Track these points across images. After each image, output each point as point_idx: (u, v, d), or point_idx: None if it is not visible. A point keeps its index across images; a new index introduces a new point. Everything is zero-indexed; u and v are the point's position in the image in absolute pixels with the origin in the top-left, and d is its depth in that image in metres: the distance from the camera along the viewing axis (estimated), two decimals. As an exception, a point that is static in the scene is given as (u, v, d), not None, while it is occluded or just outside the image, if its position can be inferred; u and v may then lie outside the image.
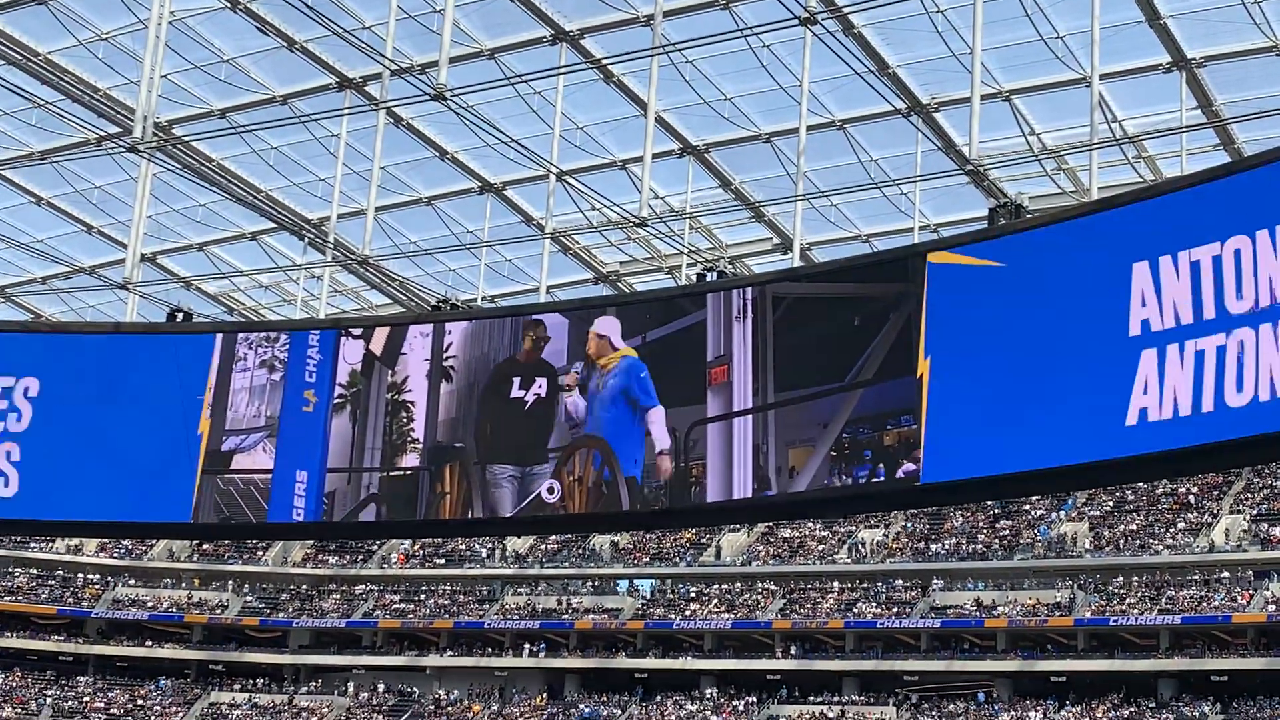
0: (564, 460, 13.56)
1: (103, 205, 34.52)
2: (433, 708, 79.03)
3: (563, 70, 27.15)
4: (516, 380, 14.43)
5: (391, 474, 14.22)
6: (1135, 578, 69.52)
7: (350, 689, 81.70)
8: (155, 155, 28.27)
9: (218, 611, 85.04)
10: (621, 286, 34.85)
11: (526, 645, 79.54)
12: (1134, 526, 72.00)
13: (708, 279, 17.91)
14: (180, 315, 20.79)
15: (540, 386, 14.32)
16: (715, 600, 77.63)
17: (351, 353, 14.07)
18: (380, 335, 14.26)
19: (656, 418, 14.03)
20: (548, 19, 26.88)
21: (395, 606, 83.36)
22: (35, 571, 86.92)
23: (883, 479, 14.80)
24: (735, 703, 74.10)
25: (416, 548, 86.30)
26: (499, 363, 14.46)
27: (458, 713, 78.08)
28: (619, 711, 75.27)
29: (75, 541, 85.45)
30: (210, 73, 29.32)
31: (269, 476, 14.39)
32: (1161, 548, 69.91)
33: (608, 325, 14.01)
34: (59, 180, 33.50)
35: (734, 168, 31.36)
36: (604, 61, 27.40)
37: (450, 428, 14.22)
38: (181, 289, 36.53)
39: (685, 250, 31.28)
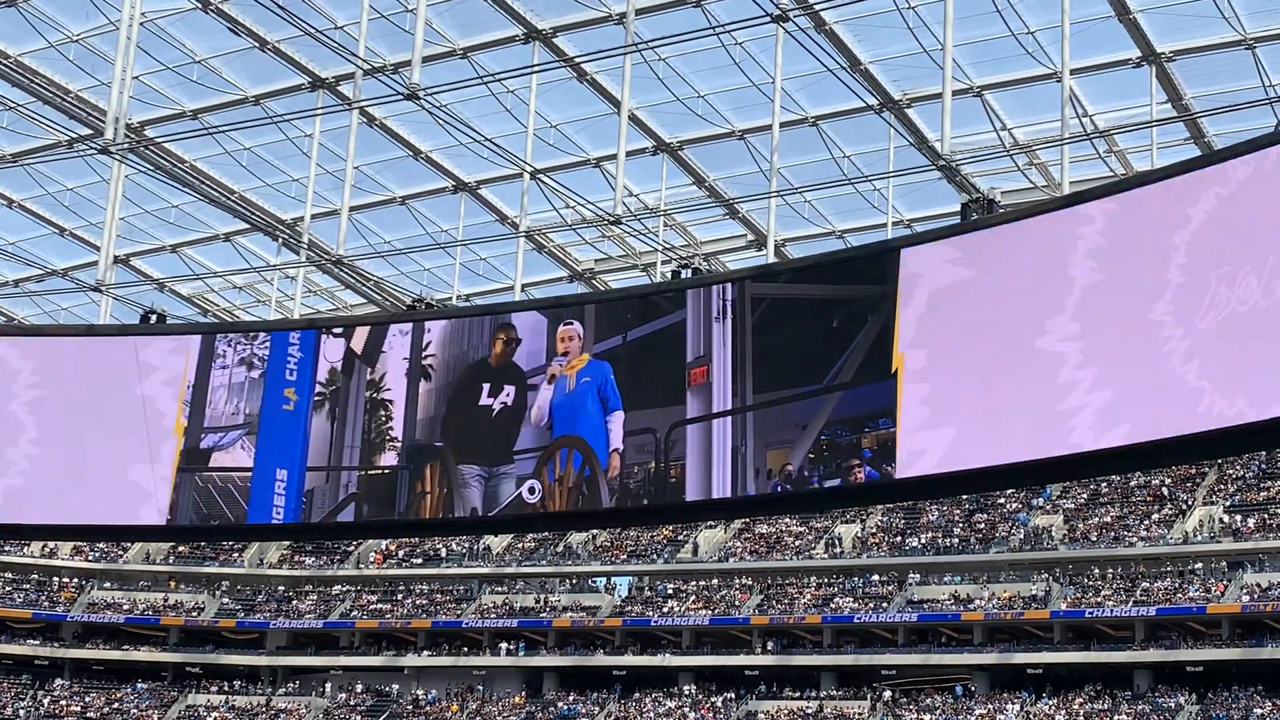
0: (544, 460, 13.59)
1: (75, 207, 34.42)
2: (411, 708, 78.94)
3: (536, 69, 27.18)
4: (486, 386, 14.44)
5: (370, 473, 14.22)
6: (1110, 570, 69.85)
7: (328, 690, 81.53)
8: (127, 157, 28.20)
9: (194, 614, 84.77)
10: (596, 284, 34.89)
11: (504, 644, 79.48)
12: (1108, 519, 72.33)
13: (683, 276, 17.95)
14: (154, 317, 20.77)
15: (508, 395, 14.33)
16: (693, 597, 77.71)
17: (332, 351, 14.07)
18: (361, 334, 14.26)
19: (617, 422, 14.07)
20: (520, 18, 26.90)
21: (373, 607, 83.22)
22: (10, 575, 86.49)
23: (860, 477, 14.88)
24: (714, 699, 74.21)
25: (394, 547, 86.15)
26: (470, 364, 14.45)
27: (436, 712, 78.01)
28: (598, 709, 75.31)
29: (50, 545, 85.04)
30: (182, 74, 29.26)
31: (248, 475, 14.37)
32: (1136, 540, 70.24)
33: (576, 327, 14.02)
34: (30, 183, 33.40)
35: (708, 165, 31.44)
36: (577, 60, 27.45)
37: (429, 427, 14.23)
38: (155, 291, 36.45)
39: (660, 248, 31.34)
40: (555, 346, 14.22)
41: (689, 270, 18.31)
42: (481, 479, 14.19)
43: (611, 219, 27.73)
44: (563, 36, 27.40)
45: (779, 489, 14.69)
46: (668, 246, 31.87)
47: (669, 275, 19.79)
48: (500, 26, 27.32)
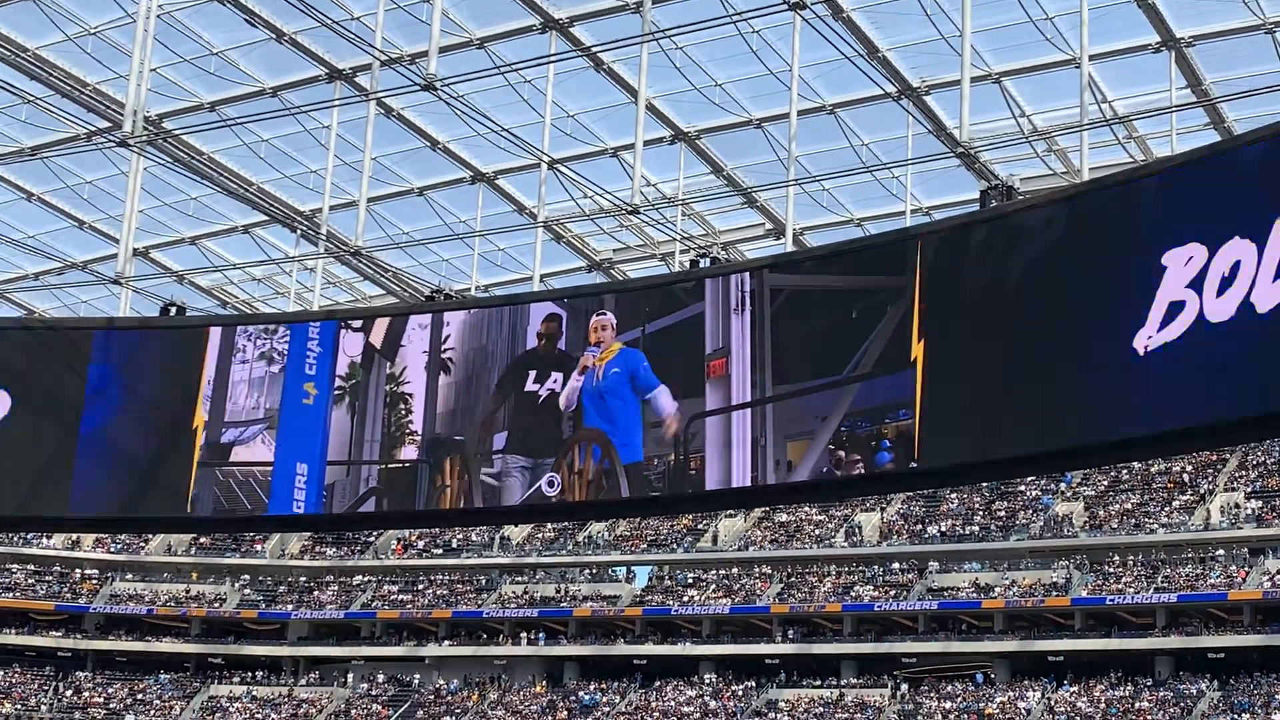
0: (564, 453, 13.58)
1: (94, 200, 34.49)
2: (432, 698, 79.12)
3: (553, 58, 27.14)
4: (533, 374, 14.43)
5: (390, 466, 14.23)
6: (1131, 557, 69.70)
7: (349, 680, 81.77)
8: (146, 149, 28.25)
9: (216, 605, 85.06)
10: (615, 274, 34.86)
11: (525, 634, 79.63)
12: (1129, 506, 72.15)
13: (701, 265, 17.92)
14: (174, 309, 20.79)
15: (555, 381, 14.29)
16: (713, 586, 77.75)
17: (351, 345, 14.08)
18: (380, 327, 14.27)
19: (662, 394, 13.97)
20: (537, 7, 26.86)
21: (394, 597, 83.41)
22: (33, 567, 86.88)
23: (879, 465, 14.86)
24: (734, 687, 74.24)
25: (414, 538, 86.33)
26: (518, 355, 14.41)
27: (458, 702, 78.18)
28: (618, 698, 75.41)
29: (73, 537, 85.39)
30: (200, 66, 29.29)
31: (269, 469, 14.39)
32: (1157, 526, 70.07)
33: (609, 317, 13.99)
34: (50, 176, 33.45)
35: (725, 154, 31.37)
36: (594, 49, 27.41)
37: (449, 420, 14.23)
38: (175, 283, 36.50)
39: (678, 237, 31.30)
40: (589, 337, 14.18)
41: (707, 259, 18.28)
42: (525, 470, 14.18)
43: (629, 208, 27.70)
44: (579, 26, 27.36)
45: (799, 479, 14.68)
46: (686, 236, 31.82)
47: (687, 264, 19.76)
48: (517, 16, 27.29)
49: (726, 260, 20.40)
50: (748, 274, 14.98)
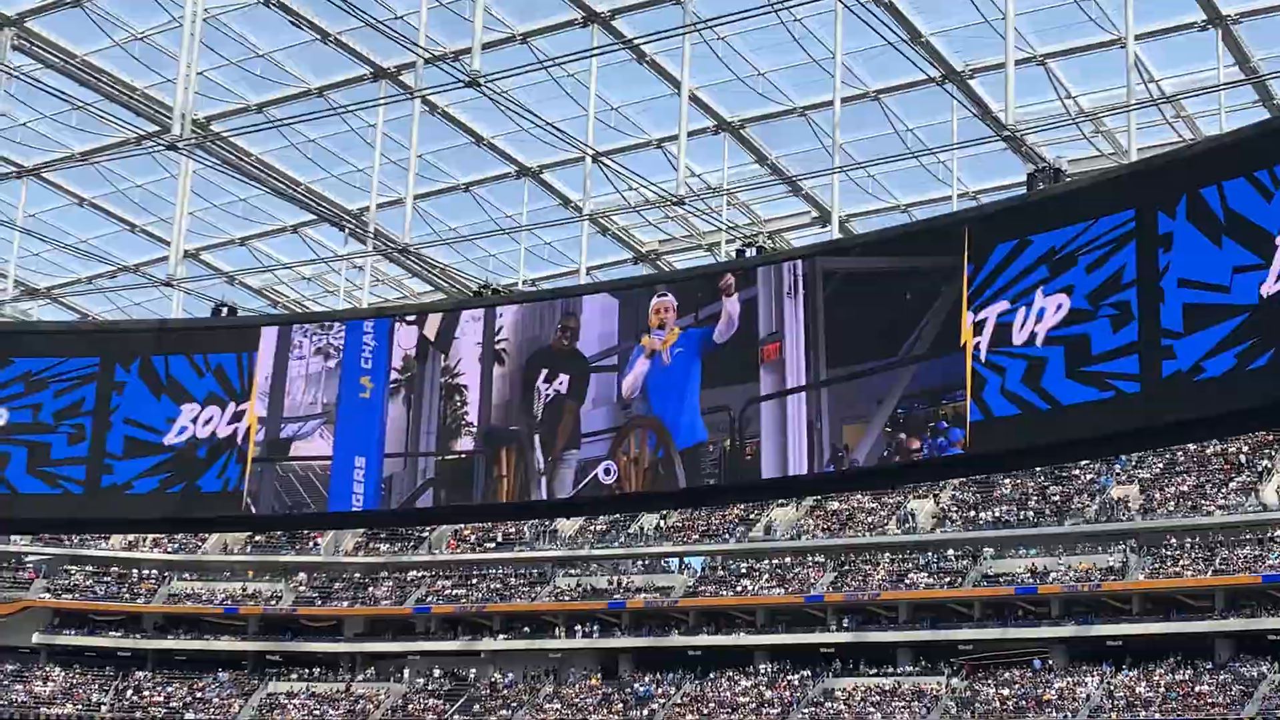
0: (619, 441, 13.63)
1: (144, 204, 34.81)
2: (488, 692, 79.47)
3: (595, 52, 27.19)
4: (544, 372, 14.49)
5: (447, 458, 14.32)
6: (1188, 539, 69.19)
7: (406, 675, 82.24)
8: (194, 152, 28.52)
9: (272, 602, 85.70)
10: (661, 265, 34.91)
11: (579, 626, 79.84)
12: (1185, 488, 71.62)
13: (747, 255, 17.93)
14: (225, 310, 20.96)
15: (562, 383, 14.34)
16: (766, 575, 77.72)
17: (406, 338, 14.18)
18: (433, 320, 14.36)
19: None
20: (578, 1, 26.92)
21: (448, 592, 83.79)
22: (91, 568, 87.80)
23: (932, 451, 14.82)
24: (789, 676, 74.21)
25: (467, 532, 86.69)
26: (534, 352, 14.48)
27: (514, 695, 78.49)
28: (674, 689, 75.50)
29: (130, 538, 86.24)
30: (246, 68, 29.50)
31: (328, 463, 14.53)
32: (1214, 508, 69.53)
33: (670, 299, 13.99)
34: (101, 181, 33.81)
35: (770, 142, 31.35)
36: (636, 41, 27.43)
37: (504, 411, 14.31)
38: (225, 284, 36.79)
39: (724, 227, 31.31)
40: (649, 321, 14.18)
41: (753, 249, 18.30)
42: (570, 464, 14.26)
43: (674, 200, 27.75)
44: (621, 18, 27.39)
45: (855, 464, 14.67)
46: (731, 225, 31.83)
47: (733, 254, 19.79)
48: (558, 11, 27.35)
49: (773, 249, 20.41)
50: (799, 260, 15.01)
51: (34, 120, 31.17)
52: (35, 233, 34.00)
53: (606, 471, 13.55)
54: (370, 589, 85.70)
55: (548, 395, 14.20)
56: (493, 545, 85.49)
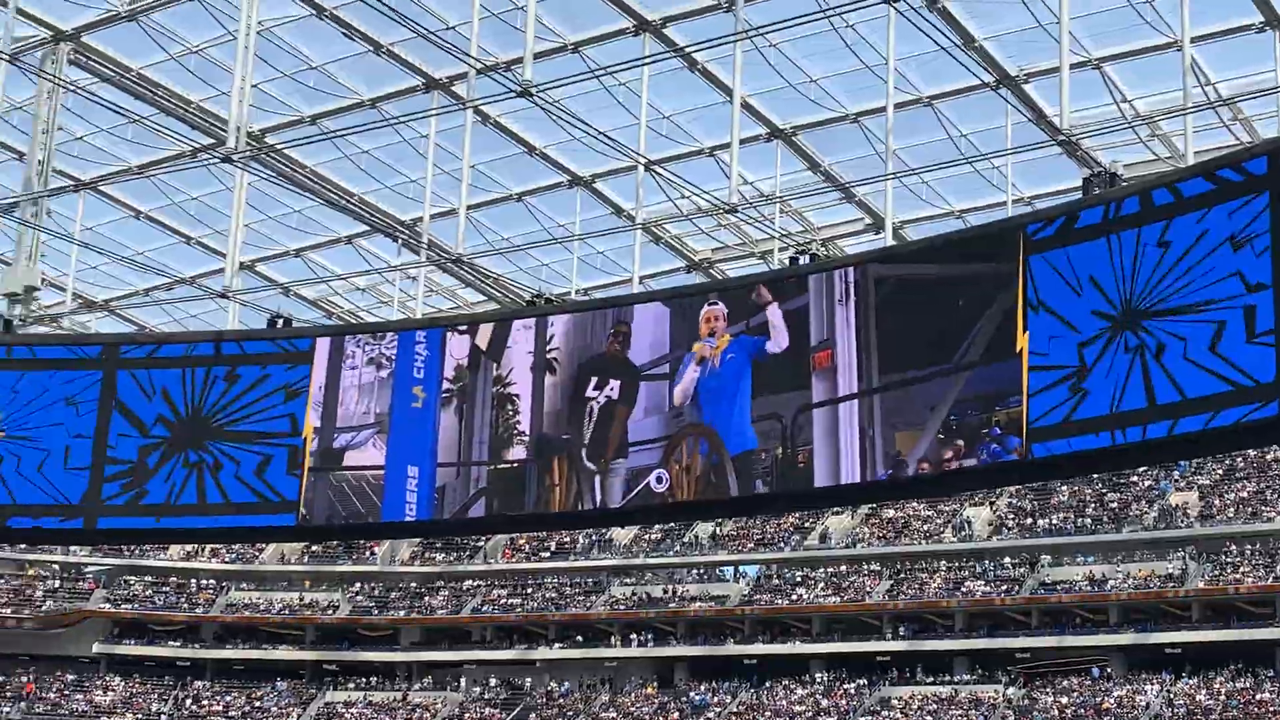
0: (671, 449, 13.60)
1: (200, 216, 35.07)
2: (544, 700, 79.57)
3: (647, 60, 27.19)
4: (595, 379, 14.48)
5: (499, 467, 14.34)
6: (1248, 545, 68.42)
7: (462, 684, 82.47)
8: (249, 164, 28.70)
9: (329, 612, 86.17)
10: (714, 274, 34.85)
11: (635, 635, 79.83)
12: (1245, 494, 70.84)
13: (801, 262, 17.86)
14: (280, 321, 21.08)
15: (613, 389, 14.31)
16: (821, 584, 77.45)
17: (458, 348, 14.22)
18: (485, 330, 14.40)
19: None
20: (630, 10, 26.92)
21: (503, 601, 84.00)
22: (150, 579, 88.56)
23: (990, 458, 14.71)
24: (846, 685, 73.90)
25: (522, 541, 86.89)
26: (586, 360, 14.49)
27: (570, 704, 78.55)
28: (729, 698, 75.34)
29: (189, 548, 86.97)
30: (299, 80, 29.68)
31: (381, 473, 14.57)
32: (1274, 514, 68.73)
33: (720, 308, 13.94)
34: (157, 193, 34.07)
35: (822, 149, 31.24)
36: (687, 49, 27.41)
37: (555, 420, 14.30)
38: (280, 295, 36.99)
39: (777, 234, 31.23)
40: (699, 329, 14.14)
41: (807, 256, 18.22)
42: (618, 473, 14.21)
43: (727, 207, 27.69)
44: (672, 27, 27.37)
45: (908, 472, 14.58)
46: (784, 233, 31.74)
47: (786, 262, 19.72)
48: (610, 20, 27.37)
49: (826, 256, 20.33)
50: (851, 267, 14.93)
51: (91, 134, 31.47)
52: (93, 246, 34.28)
53: (659, 480, 13.52)
54: (426, 598, 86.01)
55: (598, 403, 14.19)
56: (547, 554, 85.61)
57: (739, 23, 25.05)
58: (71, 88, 28.38)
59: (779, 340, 13.75)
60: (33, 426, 17.70)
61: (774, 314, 13.53)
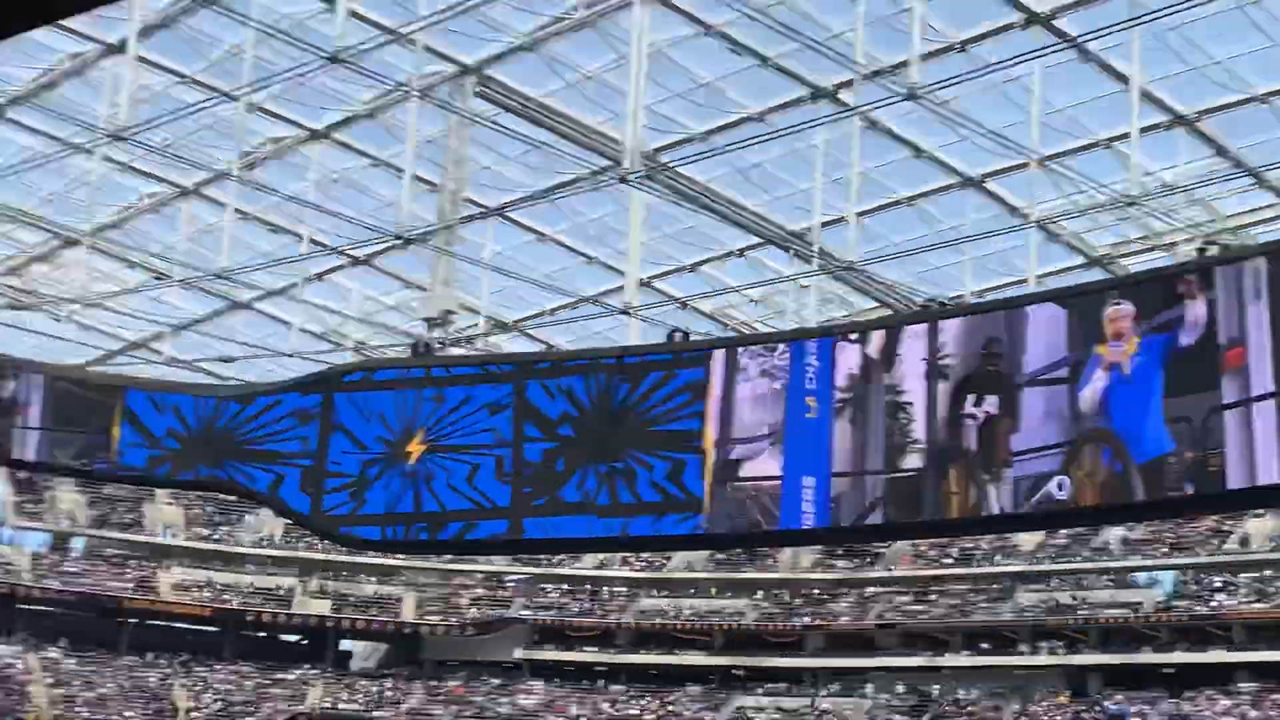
0: (1072, 457, 13.20)
1: (599, 236, 36.23)
2: (953, 708, 78.47)
3: (1038, 53, 26.55)
4: (971, 398, 14.19)
5: (894, 476, 14.25)
6: None
7: (869, 691, 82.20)
8: (644, 183, 29.50)
9: (735, 618, 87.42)
10: (1115, 269, 33.68)
11: (1044, 642, 77.79)
12: None
13: (1208, 253, 17.03)
14: (679, 335, 21.54)
15: (990, 404, 13.96)
16: (1244, 590, 73.58)
17: (849, 357, 14.20)
18: (876, 338, 14.33)
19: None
20: (1019, 3, 26.35)
21: (906, 607, 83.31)
22: (566, 586, 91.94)
23: None
24: (1275, 695, 69.92)
25: (924, 547, 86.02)
26: (972, 367, 14.22)
27: (979, 712, 77.19)
28: (1149, 707, 72.47)
29: (600, 556, 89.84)
30: (689, 98, 30.31)
31: (777, 483, 14.70)
32: None
33: (1126, 307, 13.44)
34: (559, 216, 35.40)
35: (1230, 133, 29.78)
36: (1080, 39, 26.62)
37: (949, 426, 14.14)
38: (678, 309, 37.78)
39: (1182, 225, 29.95)
40: (1103, 331, 13.71)
41: (1215, 247, 17.39)
42: (990, 481, 13.93)
43: (1127, 200, 26.76)
44: (1064, 17, 26.64)
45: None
46: (1191, 224, 30.39)
47: (1194, 254, 18.86)
48: (998, 15, 26.86)
49: (1238, 247, 19.36)
50: (1263, 257, 14.14)
51: (496, 163, 32.97)
52: (502, 269, 35.88)
53: (1059, 486, 13.15)
54: (829, 605, 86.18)
55: (984, 410, 13.95)
56: (950, 561, 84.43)
57: (1135, 7, 24.16)
58: (478, 119, 29.81)
59: (1189, 338, 13.23)
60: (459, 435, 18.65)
61: (1193, 310, 12.99)
